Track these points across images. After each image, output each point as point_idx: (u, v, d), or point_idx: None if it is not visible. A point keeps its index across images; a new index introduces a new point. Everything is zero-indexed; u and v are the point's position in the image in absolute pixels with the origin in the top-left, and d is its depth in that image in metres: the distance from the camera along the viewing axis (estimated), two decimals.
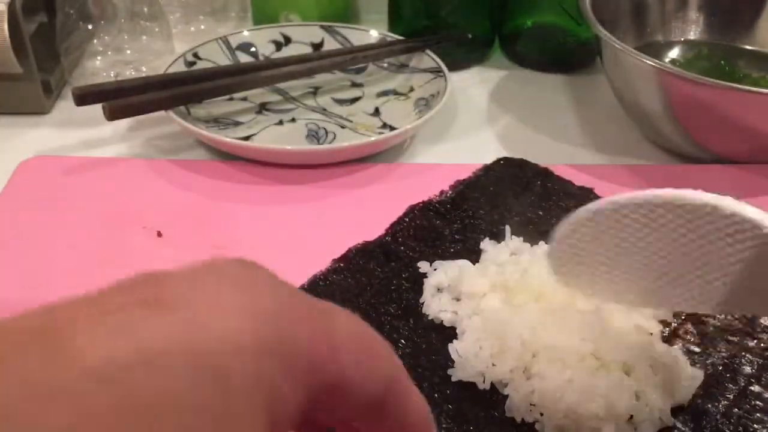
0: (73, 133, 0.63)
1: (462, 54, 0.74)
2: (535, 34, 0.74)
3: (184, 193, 0.55)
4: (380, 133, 0.63)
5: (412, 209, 0.52)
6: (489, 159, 0.58)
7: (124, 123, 0.63)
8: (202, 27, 0.79)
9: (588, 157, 0.61)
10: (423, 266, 0.46)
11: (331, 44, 0.71)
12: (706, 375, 0.40)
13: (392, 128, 0.63)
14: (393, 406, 0.22)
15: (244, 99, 0.67)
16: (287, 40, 0.72)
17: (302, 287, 0.45)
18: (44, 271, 0.48)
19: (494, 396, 0.39)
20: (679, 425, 0.38)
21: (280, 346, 0.18)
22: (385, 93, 0.69)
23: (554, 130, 0.65)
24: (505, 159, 0.58)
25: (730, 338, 0.42)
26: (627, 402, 0.36)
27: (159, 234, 0.51)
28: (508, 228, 0.48)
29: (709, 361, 0.41)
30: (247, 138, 0.61)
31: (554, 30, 0.73)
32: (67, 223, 0.52)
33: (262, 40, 0.71)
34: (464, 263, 0.45)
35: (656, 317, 0.42)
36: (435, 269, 0.46)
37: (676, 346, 0.41)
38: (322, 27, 0.72)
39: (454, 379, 0.40)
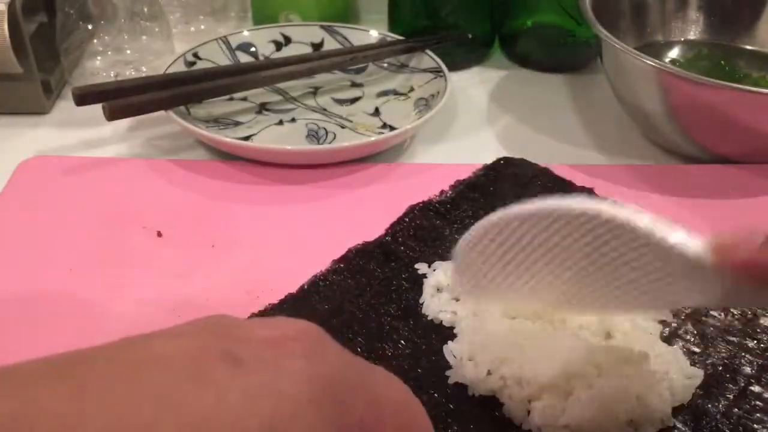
0: (73, 133, 0.63)
1: (462, 54, 0.74)
2: (535, 34, 0.74)
3: (184, 193, 0.55)
4: (380, 133, 0.63)
5: (412, 209, 0.52)
6: (489, 159, 0.58)
7: (124, 123, 0.63)
8: (202, 27, 0.79)
9: (588, 157, 0.61)
10: (422, 268, 0.46)
11: (331, 44, 0.71)
12: (706, 375, 0.40)
13: (392, 128, 0.63)
14: None
15: (244, 99, 0.67)
16: (287, 40, 0.72)
17: (302, 287, 0.45)
18: (44, 271, 0.48)
19: (494, 396, 0.39)
20: (679, 425, 0.38)
21: (334, 408, 0.21)
22: (385, 93, 0.69)
23: (554, 130, 0.65)
24: (505, 159, 0.58)
25: (730, 338, 0.42)
26: (628, 407, 0.36)
27: (159, 234, 0.51)
28: None
29: (708, 362, 0.41)
30: (247, 138, 0.61)
31: (554, 30, 0.73)
32: (67, 223, 0.52)
33: (262, 40, 0.71)
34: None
35: (655, 318, 0.42)
36: (434, 270, 0.46)
37: (675, 346, 0.41)
38: (322, 27, 0.72)
39: (451, 381, 0.40)
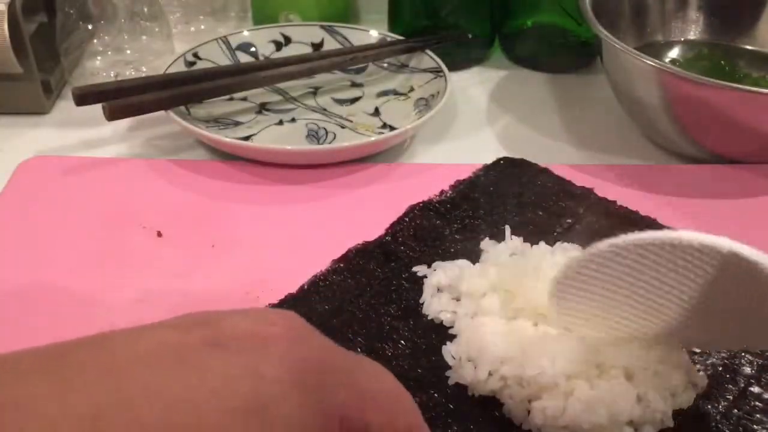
0: (73, 133, 0.63)
1: (462, 54, 0.74)
2: (535, 34, 0.74)
3: (184, 193, 0.55)
4: (380, 133, 0.63)
5: (412, 209, 0.52)
6: (489, 159, 0.58)
7: (124, 123, 0.63)
8: (202, 27, 0.79)
9: (588, 157, 0.61)
10: (421, 270, 0.46)
11: (331, 44, 0.71)
12: (706, 375, 0.40)
13: (392, 128, 0.63)
14: None
15: (244, 99, 0.67)
16: (287, 40, 0.72)
17: (302, 287, 0.45)
18: (44, 271, 0.48)
19: (494, 396, 0.39)
20: (679, 426, 0.37)
21: (315, 392, 0.21)
22: (385, 93, 0.69)
23: (554, 130, 0.65)
24: (505, 159, 0.58)
25: None
26: (629, 408, 0.36)
27: (159, 234, 0.51)
28: (507, 228, 0.48)
29: (708, 362, 0.41)
30: (247, 138, 0.61)
31: (554, 30, 0.73)
32: (67, 223, 0.52)
33: (262, 40, 0.71)
34: (464, 263, 0.45)
35: None
36: (434, 269, 0.46)
37: (679, 347, 0.41)
38: (322, 27, 0.72)
39: (450, 382, 0.40)
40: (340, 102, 0.67)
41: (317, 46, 0.72)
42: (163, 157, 0.60)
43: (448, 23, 0.72)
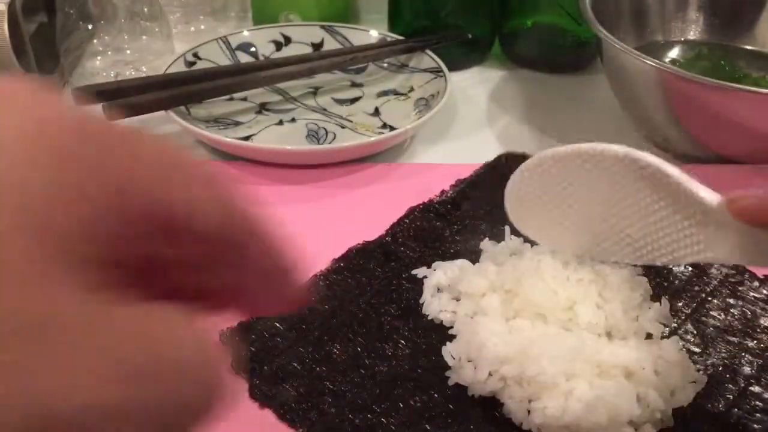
0: None
1: (462, 54, 0.74)
2: (535, 34, 0.74)
3: None
4: (380, 133, 0.63)
5: (412, 210, 0.52)
6: (489, 159, 0.58)
7: (124, 123, 0.63)
8: (202, 27, 0.79)
9: None
10: (420, 272, 0.46)
11: (331, 44, 0.71)
12: (706, 375, 0.40)
13: (392, 128, 0.63)
14: (236, 242, 0.19)
15: (244, 99, 0.67)
16: (287, 40, 0.72)
17: None
18: None
19: (494, 396, 0.39)
20: (679, 425, 0.38)
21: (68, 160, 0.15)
22: (385, 93, 0.69)
23: (554, 130, 0.65)
24: (507, 155, 0.57)
25: (730, 338, 0.42)
26: (629, 407, 0.36)
27: None
28: (507, 228, 0.48)
29: (709, 362, 0.41)
30: (247, 138, 0.61)
31: (554, 30, 0.73)
32: None
33: (262, 40, 0.71)
34: (464, 263, 0.45)
35: (656, 319, 0.42)
36: (434, 270, 0.46)
37: (679, 348, 0.41)
38: (322, 27, 0.72)
39: (450, 382, 0.40)
40: (340, 102, 0.67)
41: (317, 46, 0.72)
42: None
43: (448, 23, 0.72)
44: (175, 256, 0.17)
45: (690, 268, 0.47)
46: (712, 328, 0.43)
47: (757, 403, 0.39)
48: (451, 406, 0.39)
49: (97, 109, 0.56)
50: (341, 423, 0.38)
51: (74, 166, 0.15)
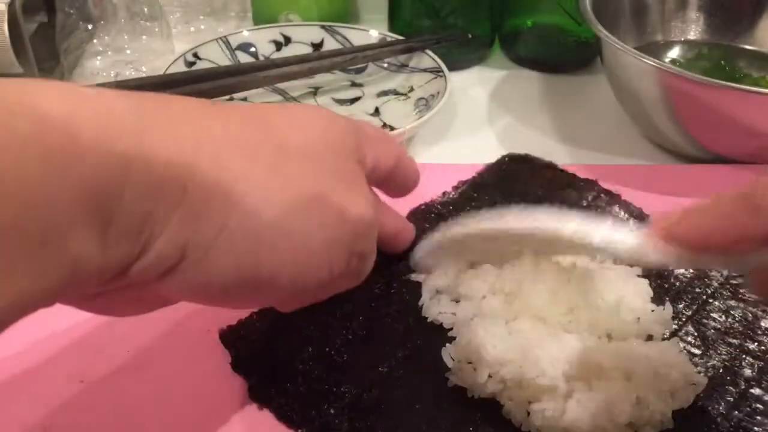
0: None
1: (462, 54, 0.74)
2: (535, 34, 0.74)
3: None
4: None
5: (413, 212, 0.52)
6: (489, 159, 0.58)
7: None
8: (202, 27, 0.79)
9: (588, 157, 0.61)
10: (417, 277, 0.46)
11: (331, 44, 0.71)
12: (707, 377, 0.40)
13: (392, 128, 0.63)
14: (401, 173, 0.41)
15: (244, 99, 0.67)
16: (287, 40, 0.72)
17: None
18: None
19: (494, 398, 0.39)
20: (679, 427, 0.37)
21: (355, 138, 0.36)
22: (385, 93, 0.69)
23: (554, 130, 0.65)
24: (510, 156, 0.57)
25: (731, 340, 0.42)
26: (629, 409, 0.36)
27: None
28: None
29: (709, 364, 0.41)
30: None
31: (554, 30, 0.73)
32: None
33: (262, 40, 0.71)
34: (463, 266, 0.45)
35: (657, 321, 0.42)
36: (432, 273, 0.46)
37: (679, 349, 0.41)
38: (322, 27, 0.72)
39: (450, 384, 0.40)
40: (340, 102, 0.67)
41: (317, 46, 0.72)
42: None
43: (448, 23, 0.72)
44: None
45: (691, 270, 0.47)
46: (712, 330, 0.43)
47: (758, 405, 0.39)
48: (450, 407, 0.39)
49: None
50: (341, 423, 0.38)
51: (355, 137, 0.36)
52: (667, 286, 0.46)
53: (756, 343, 0.42)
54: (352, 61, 0.68)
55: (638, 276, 0.43)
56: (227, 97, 0.65)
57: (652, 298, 0.43)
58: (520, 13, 0.74)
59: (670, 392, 0.38)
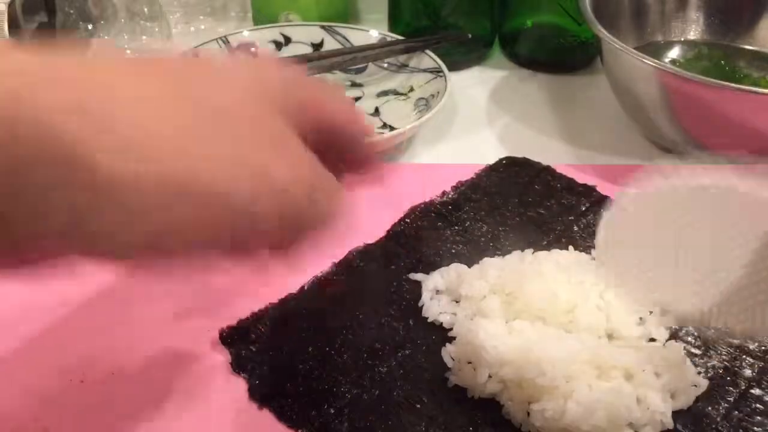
0: None
1: (462, 54, 0.73)
2: (535, 34, 0.74)
3: None
4: (380, 133, 0.63)
5: (413, 210, 0.52)
6: (489, 159, 0.58)
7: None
8: (202, 27, 0.79)
9: (588, 157, 0.61)
10: (418, 277, 0.46)
11: (331, 44, 0.71)
12: (707, 377, 0.40)
13: (392, 128, 0.63)
14: (347, 131, 0.36)
15: None
16: (287, 40, 0.72)
17: (302, 288, 0.46)
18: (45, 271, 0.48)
19: (494, 398, 0.39)
20: (679, 428, 0.38)
21: (285, 95, 0.32)
22: (385, 93, 0.69)
23: (554, 130, 0.65)
24: (508, 158, 0.57)
25: (731, 341, 0.42)
26: (629, 409, 0.36)
27: None
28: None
29: (709, 364, 0.41)
30: None
31: (554, 30, 0.72)
32: None
33: (262, 40, 0.71)
34: (461, 267, 0.45)
35: (658, 321, 0.42)
36: (432, 273, 0.46)
37: (681, 350, 0.41)
38: (322, 27, 0.72)
39: (450, 384, 0.40)
40: None
41: (317, 46, 0.72)
42: None
43: (448, 23, 0.72)
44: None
45: None
46: (712, 331, 0.43)
47: (758, 405, 0.39)
48: (450, 407, 0.39)
49: None
50: (341, 423, 0.38)
51: (283, 89, 0.32)
52: None
53: (756, 344, 0.42)
54: (352, 61, 0.68)
55: None
56: None
57: None
58: (520, 13, 0.74)
59: (671, 393, 0.38)
